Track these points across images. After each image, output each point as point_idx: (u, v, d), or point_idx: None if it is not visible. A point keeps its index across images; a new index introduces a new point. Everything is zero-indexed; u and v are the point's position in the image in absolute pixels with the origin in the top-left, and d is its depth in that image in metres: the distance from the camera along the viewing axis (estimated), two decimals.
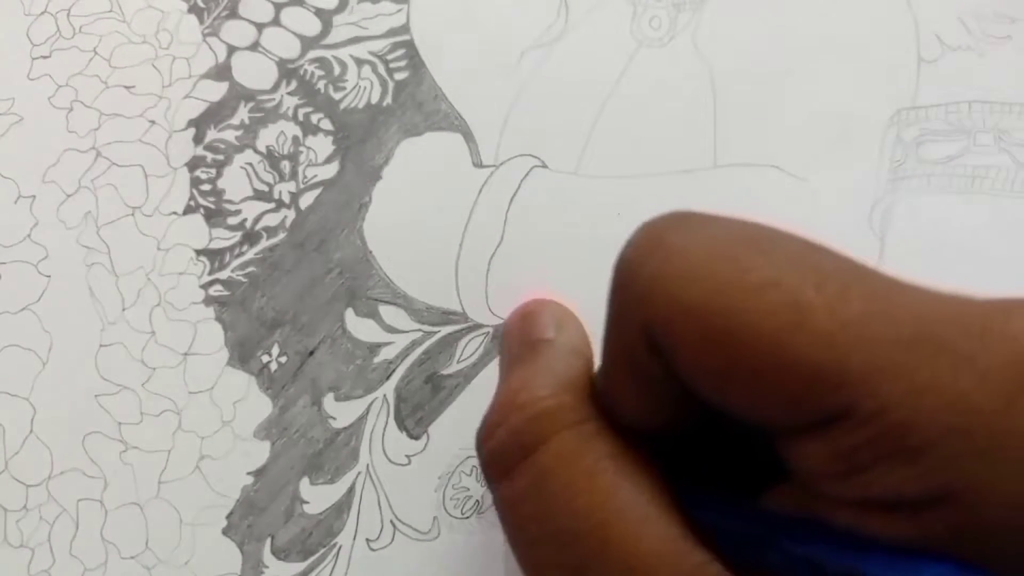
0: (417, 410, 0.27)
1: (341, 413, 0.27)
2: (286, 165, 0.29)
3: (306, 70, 0.29)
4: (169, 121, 0.29)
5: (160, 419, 0.27)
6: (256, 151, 0.29)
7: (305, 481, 0.27)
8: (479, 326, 0.27)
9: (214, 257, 0.28)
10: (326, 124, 0.29)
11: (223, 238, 0.28)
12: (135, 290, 0.28)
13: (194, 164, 0.29)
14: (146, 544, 0.27)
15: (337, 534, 0.27)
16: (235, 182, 0.29)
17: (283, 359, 0.28)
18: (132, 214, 0.29)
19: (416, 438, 0.27)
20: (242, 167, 0.29)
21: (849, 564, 0.15)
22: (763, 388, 0.15)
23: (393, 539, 0.26)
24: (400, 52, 0.29)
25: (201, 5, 0.30)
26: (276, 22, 0.30)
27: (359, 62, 0.29)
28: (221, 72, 0.30)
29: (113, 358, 0.28)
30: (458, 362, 0.27)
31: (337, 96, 0.29)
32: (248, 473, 0.27)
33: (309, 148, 0.29)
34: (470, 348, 0.27)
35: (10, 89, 0.30)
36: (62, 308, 0.28)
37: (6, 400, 0.28)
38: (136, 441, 0.27)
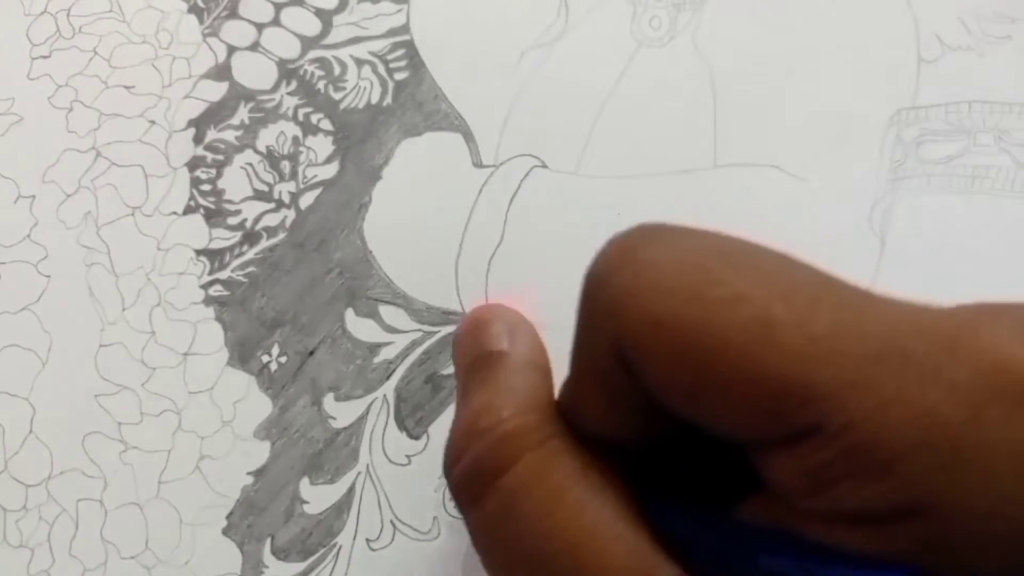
0: (417, 410, 0.27)
1: (341, 413, 0.27)
2: (286, 165, 0.29)
3: (306, 70, 0.29)
4: (169, 121, 0.29)
5: (160, 419, 0.27)
6: (256, 151, 0.29)
7: (305, 481, 0.27)
8: None
9: (214, 257, 0.28)
10: (326, 124, 0.29)
11: (223, 238, 0.28)
12: (135, 290, 0.28)
13: (194, 164, 0.29)
14: (146, 544, 0.27)
15: (337, 534, 0.27)
16: (235, 182, 0.29)
17: (283, 359, 0.28)
18: (132, 214, 0.29)
19: (416, 438, 0.27)
20: (242, 167, 0.29)
21: None
22: (732, 403, 0.15)
23: (393, 539, 0.26)
24: (400, 52, 0.29)
25: (201, 5, 0.30)
26: (276, 22, 0.30)
27: (359, 62, 0.29)
28: (221, 72, 0.30)
29: (113, 358, 0.28)
30: None
31: (337, 96, 0.29)
32: (248, 473, 0.27)
33: (309, 148, 0.29)
34: None
35: (10, 89, 0.30)
36: (62, 308, 0.28)
37: (6, 400, 0.28)
38: (136, 441, 0.27)
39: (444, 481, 0.27)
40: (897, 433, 0.14)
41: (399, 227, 0.28)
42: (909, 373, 0.14)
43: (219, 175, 0.29)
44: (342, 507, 0.27)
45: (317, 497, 0.27)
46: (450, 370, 0.27)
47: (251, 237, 0.28)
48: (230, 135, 0.29)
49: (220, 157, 0.29)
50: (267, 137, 0.29)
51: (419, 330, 0.27)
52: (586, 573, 0.16)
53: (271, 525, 0.27)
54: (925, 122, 0.28)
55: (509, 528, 0.18)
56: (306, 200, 0.29)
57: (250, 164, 0.29)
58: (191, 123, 0.29)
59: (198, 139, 0.29)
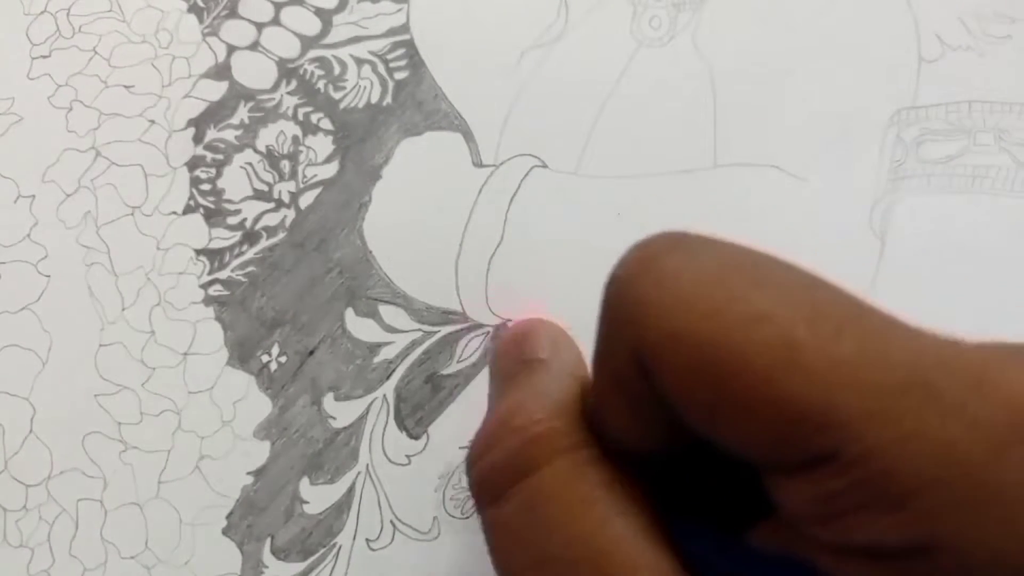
0: (417, 410, 0.27)
1: (341, 413, 0.27)
2: (286, 165, 0.29)
3: (306, 70, 0.29)
4: (169, 121, 0.29)
5: (160, 419, 0.27)
6: (256, 151, 0.29)
7: (305, 481, 0.27)
8: (479, 326, 0.27)
9: (214, 257, 0.28)
10: (326, 124, 0.29)
11: (223, 238, 0.28)
12: (135, 290, 0.28)
13: (194, 164, 0.29)
14: (146, 544, 0.27)
15: (337, 534, 0.27)
16: (235, 182, 0.29)
17: (283, 359, 0.28)
18: (132, 214, 0.29)
19: (416, 438, 0.27)
20: (242, 167, 0.29)
21: None
22: (749, 423, 0.15)
23: (393, 539, 0.26)
24: (400, 52, 0.29)
25: (201, 5, 0.30)
26: (276, 22, 0.30)
27: (359, 62, 0.29)
28: (221, 72, 0.30)
29: (113, 358, 0.28)
30: (458, 362, 0.27)
31: (337, 96, 0.29)
32: (248, 473, 0.27)
33: (309, 148, 0.29)
34: (470, 348, 0.27)
35: (10, 89, 0.30)
36: (62, 308, 0.28)
37: (6, 400, 0.28)
38: (136, 441, 0.27)
39: (444, 481, 0.27)
40: (915, 467, 0.14)
41: (399, 227, 0.28)
42: (931, 406, 0.14)
43: (219, 175, 0.29)
44: (342, 507, 0.27)
45: (317, 497, 0.27)
46: (450, 370, 0.27)
47: (251, 237, 0.28)
48: (230, 135, 0.29)
49: (220, 157, 0.29)
50: (267, 137, 0.29)
51: (419, 330, 0.27)
52: None
53: (271, 525, 0.27)
54: (925, 122, 0.28)
55: (530, 529, 0.18)
56: (306, 200, 0.29)
57: (250, 164, 0.29)
58: (191, 123, 0.29)
59: (198, 139, 0.29)
